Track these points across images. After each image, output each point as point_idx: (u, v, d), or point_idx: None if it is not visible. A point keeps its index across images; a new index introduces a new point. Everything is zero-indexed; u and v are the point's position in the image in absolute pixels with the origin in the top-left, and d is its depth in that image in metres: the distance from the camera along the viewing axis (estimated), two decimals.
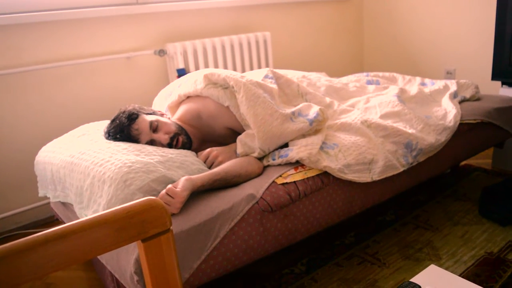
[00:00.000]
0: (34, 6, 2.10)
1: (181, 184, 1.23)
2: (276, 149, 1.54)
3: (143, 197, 1.19)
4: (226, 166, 1.37)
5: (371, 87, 2.14)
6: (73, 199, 1.38)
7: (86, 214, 1.30)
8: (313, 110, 1.60)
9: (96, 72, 2.31)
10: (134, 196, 1.20)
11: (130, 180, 1.22)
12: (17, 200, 2.15)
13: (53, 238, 0.55)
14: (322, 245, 1.78)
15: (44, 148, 1.66)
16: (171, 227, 0.64)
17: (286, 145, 1.55)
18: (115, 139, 1.49)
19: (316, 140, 1.50)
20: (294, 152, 1.43)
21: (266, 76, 1.79)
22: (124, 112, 1.52)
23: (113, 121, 1.52)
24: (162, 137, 1.49)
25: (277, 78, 1.81)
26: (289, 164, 1.45)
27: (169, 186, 1.22)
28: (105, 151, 1.37)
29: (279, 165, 1.46)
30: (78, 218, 1.38)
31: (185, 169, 1.37)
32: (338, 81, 2.18)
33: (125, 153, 1.33)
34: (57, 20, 2.14)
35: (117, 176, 1.23)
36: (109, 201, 1.21)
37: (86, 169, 1.32)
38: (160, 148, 1.44)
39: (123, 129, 1.48)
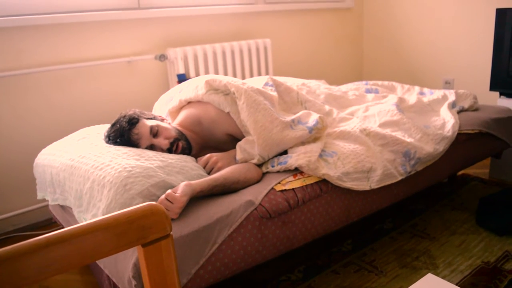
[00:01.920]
0: (36, 9, 2.11)
1: (181, 189, 1.23)
2: (275, 156, 1.55)
3: (143, 201, 1.20)
4: (225, 172, 1.38)
5: (370, 96, 2.16)
6: (72, 202, 1.38)
7: (85, 217, 1.30)
8: (313, 118, 1.61)
9: (97, 75, 2.32)
10: (134, 200, 1.21)
11: (130, 184, 1.22)
12: (15, 202, 2.15)
13: (54, 241, 0.55)
14: (319, 252, 1.79)
15: (43, 151, 1.66)
16: (171, 233, 0.65)
17: (285, 152, 1.56)
18: (115, 143, 1.49)
19: (315, 147, 1.51)
20: (293, 159, 1.44)
21: (266, 84, 1.80)
22: (124, 116, 1.53)
23: (113, 125, 1.53)
24: (162, 142, 1.49)
25: (277, 86, 1.82)
26: (288, 171, 1.46)
27: (169, 191, 1.22)
28: (105, 155, 1.37)
29: (278, 172, 1.46)
30: (76, 221, 1.39)
31: (184, 174, 1.37)
32: (338, 89, 2.20)
33: (125, 158, 1.34)
34: (58, 24, 2.15)
35: (117, 180, 1.23)
36: (109, 205, 1.21)
37: (86, 172, 1.33)
38: (160, 153, 1.44)
39: (124, 133, 1.49)
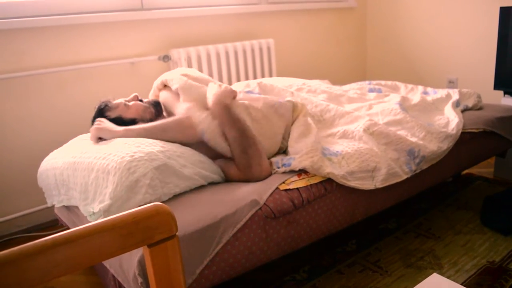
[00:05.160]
0: (38, 11, 2.12)
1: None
2: (279, 153, 1.56)
3: (148, 183, 1.23)
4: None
5: (372, 95, 2.16)
6: (77, 198, 1.39)
7: (93, 207, 1.31)
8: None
9: (100, 77, 2.32)
10: (138, 183, 1.24)
11: (134, 168, 1.26)
12: (19, 204, 2.15)
13: (61, 242, 0.55)
14: (323, 252, 1.78)
15: (45, 159, 1.66)
16: (176, 233, 0.65)
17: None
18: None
19: (315, 145, 1.50)
20: (297, 161, 1.44)
21: (250, 92, 1.86)
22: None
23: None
24: (137, 101, 1.66)
25: (267, 91, 1.87)
26: (292, 170, 1.46)
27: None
28: (107, 146, 1.41)
29: (284, 172, 1.47)
30: (82, 221, 1.39)
31: (185, 158, 1.40)
32: (339, 88, 2.20)
33: (127, 146, 1.38)
34: (61, 25, 2.16)
35: (120, 165, 1.26)
36: (115, 189, 1.23)
37: (90, 164, 1.36)
38: (160, 141, 1.46)
39: (101, 105, 1.63)
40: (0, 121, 2.05)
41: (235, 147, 1.45)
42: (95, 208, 1.27)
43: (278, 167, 1.48)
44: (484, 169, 2.54)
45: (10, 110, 2.07)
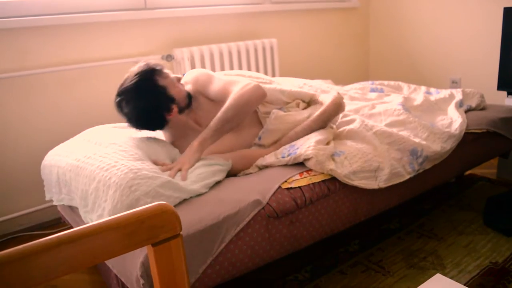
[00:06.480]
0: (42, 10, 2.12)
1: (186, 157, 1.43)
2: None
3: (150, 202, 1.20)
4: (218, 116, 1.53)
5: (373, 95, 2.16)
6: (78, 202, 1.39)
7: (91, 217, 1.31)
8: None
9: (103, 76, 2.32)
10: (139, 201, 1.20)
11: (136, 186, 1.22)
12: (22, 202, 2.16)
13: (65, 241, 0.55)
14: (326, 252, 1.78)
15: (50, 152, 1.66)
16: (181, 232, 0.65)
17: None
18: (135, 90, 1.51)
19: (326, 145, 1.52)
20: (303, 149, 1.47)
21: None
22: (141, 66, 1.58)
23: (127, 79, 1.56)
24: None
25: None
26: (294, 168, 1.46)
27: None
28: (111, 155, 1.38)
29: (286, 165, 1.49)
30: (83, 221, 1.39)
31: (191, 173, 1.38)
32: (341, 88, 2.20)
33: (131, 160, 1.34)
34: (64, 24, 2.16)
35: (122, 182, 1.23)
36: (115, 207, 1.21)
37: (92, 173, 1.33)
38: (165, 152, 1.46)
39: (154, 67, 1.55)
40: (3, 120, 2.06)
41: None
42: (93, 220, 1.26)
43: (283, 157, 1.50)
44: (487, 169, 2.54)
45: (13, 109, 2.07)
